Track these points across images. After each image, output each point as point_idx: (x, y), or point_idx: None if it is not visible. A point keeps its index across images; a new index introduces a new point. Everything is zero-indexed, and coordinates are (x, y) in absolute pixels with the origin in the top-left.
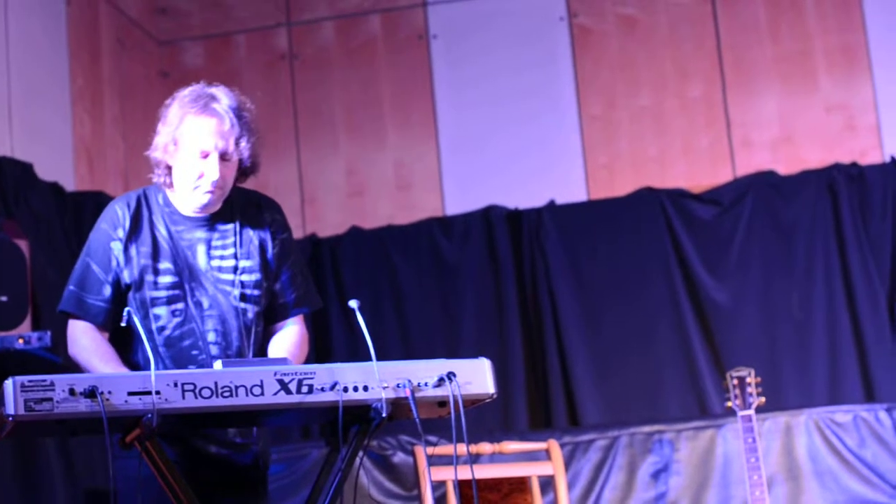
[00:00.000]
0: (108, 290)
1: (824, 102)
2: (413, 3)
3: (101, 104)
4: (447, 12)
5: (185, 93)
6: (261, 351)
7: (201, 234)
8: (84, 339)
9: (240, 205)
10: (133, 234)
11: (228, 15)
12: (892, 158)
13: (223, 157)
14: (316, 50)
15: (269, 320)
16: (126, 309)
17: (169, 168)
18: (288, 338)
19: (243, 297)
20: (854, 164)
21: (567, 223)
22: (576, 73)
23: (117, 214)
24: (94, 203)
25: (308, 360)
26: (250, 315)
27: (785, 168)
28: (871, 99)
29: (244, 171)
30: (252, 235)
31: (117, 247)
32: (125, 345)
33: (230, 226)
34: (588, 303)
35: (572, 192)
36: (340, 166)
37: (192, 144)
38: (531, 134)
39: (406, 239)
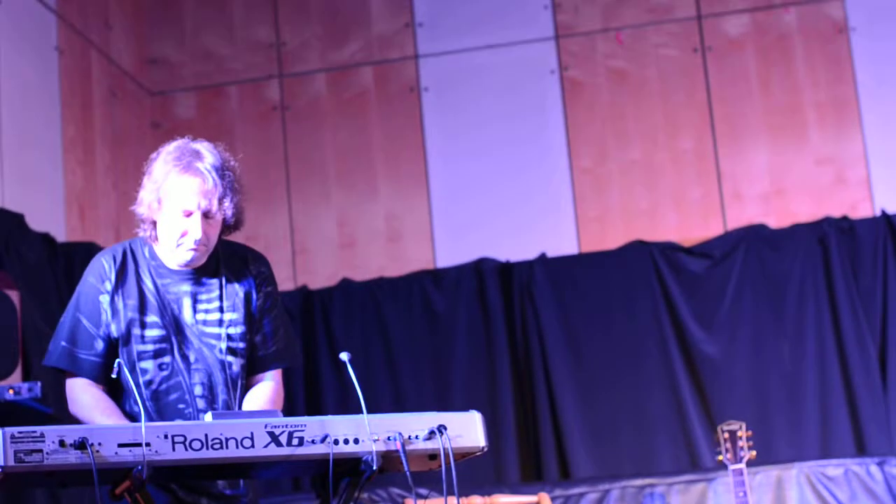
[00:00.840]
0: (100, 345)
1: (815, 156)
2: (405, 56)
3: (92, 154)
4: (439, 65)
5: (170, 149)
6: None
7: (187, 287)
8: (84, 397)
9: (226, 258)
10: (119, 286)
11: (220, 66)
12: (883, 212)
13: (206, 215)
14: (308, 101)
15: (247, 372)
16: (117, 360)
17: (154, 223)
18: (263, 393)
19: (229, 351)
20: (845, 218)
21: (558, 276)
22: (567, 126)
23: (104, 267)
24: (86, 253)
25: (297, 413)
26: (235, 368)
27: (776, 221)
28: (861, 152)
29: (229, 226)
30: (237, 289)
31: (105, 300)
32: (114, 399)
33: (216, 279)
34: (579, 356)
35: (563, 244)
36: (332, 217)
37: (176, 203)
38: (522, 187)
39: (397, 291)
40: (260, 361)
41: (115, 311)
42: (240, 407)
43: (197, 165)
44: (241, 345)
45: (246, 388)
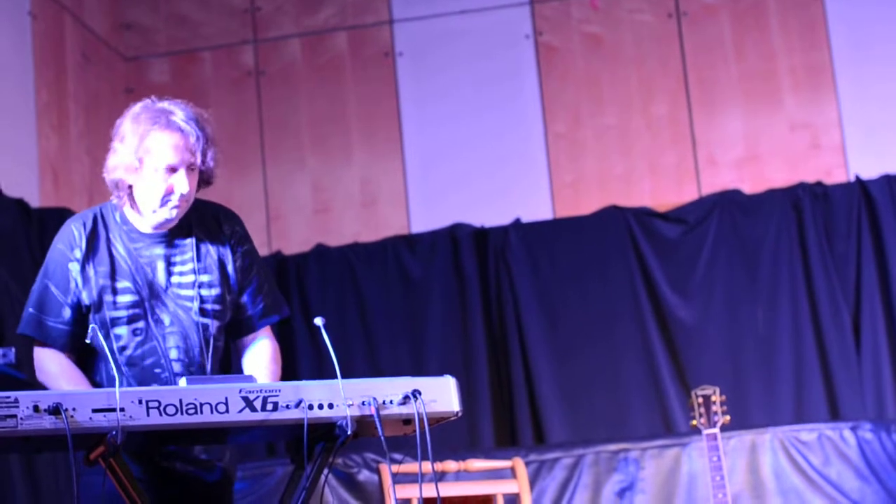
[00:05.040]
0: (67, 313)
1: (789, 121)
2: (379, 21)
3: (66, 120)
4: (413, 30)
5: (137, 109)
6: (223, 365)
7: (160, 250)
8: (50, 365)
9: (198, 218)
10: (90, 253)
11: (194, 31)
12: (857, 177)
13: (190, 168)
14: (282, 66)
15: (237, 334)
16: (91, 326)
17: (129, 187)
18: (263, 354)
19: (203, 312)
20: (819, 183)
21: (533, 241)
22: (541, 91)
23: (73, 234)
24: (59, 219)
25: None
26: (211, 330)
27: (750, 187)
28: (835, 118)
29: (204, 180)
30: (211, 249)
31: (75, 268)
32: (88, 366)
33: (188, 240)
34: (553, 321)
35: (538, 209)
36: (306, 183)
37: (160, 160)
38: (497, 152)
39: (372, 256)
40: (250, 321)
41: (86, 279)
42: (217, 369)
43: (175, 121)
44: (217, 307)
45: (238, 351)
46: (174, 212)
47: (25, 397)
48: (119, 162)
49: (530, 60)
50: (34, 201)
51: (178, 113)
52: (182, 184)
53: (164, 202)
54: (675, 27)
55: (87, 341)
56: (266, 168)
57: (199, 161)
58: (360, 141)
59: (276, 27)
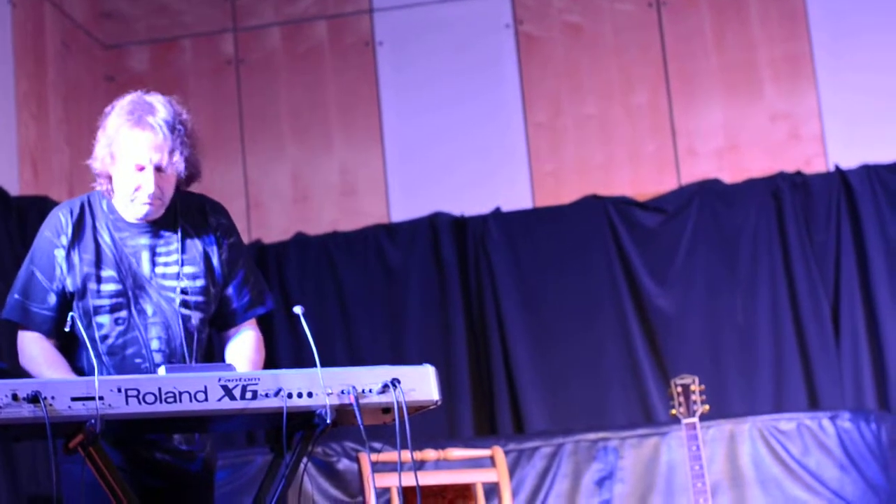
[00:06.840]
0: (52, 299)
1: (769, 111)
2: (359, 10)
3: (46, 108)
4: (393, 19)
5: (124, 102)
6: (206, 357)
7: (145, 240)
8: (32, 349)
9: (184, 210)
10: (76, 240)
11: (174, 20)
12: (837, 167)
13: (158, 169)
14: (262, 55)
15: (222, 326)
16: (70, 314)
17: (110, 177)
18: (246, 344)
19: (186, 304)
20: (798, 173)
21: (512, 230)
22: (521, 81)
23: (60, 221)
24: (39, 208)
25: None
26: (194, 322)
27: (729, 176)
28: (815, 108)
29: (186, 178)
30: (196, 241)
31: (60, 254)
32: (70, 352)
33: (174, 232)
34: (533, 309)
35: (518, 199)
36: (286, 172)
37: (128, 158)
38: (477, 141)
39: (351, 245)
40: (235, 313)
41: (70, 266)
42: (199, 361)
43: (148, 119)
44: (200, 298)
45: (222, 343)
46: (145, 208)
47: (4, 385)
48: (98, 152)
49: (510, 50)
50: (14, 190)
51: (159, 111)
52: (148, 183)
53: (132, 198)
54: (655, 17)
55: (66, 329)
56: (245, 156)
57: (165, 162)
58: (340, 130)
59: (256, 16)
